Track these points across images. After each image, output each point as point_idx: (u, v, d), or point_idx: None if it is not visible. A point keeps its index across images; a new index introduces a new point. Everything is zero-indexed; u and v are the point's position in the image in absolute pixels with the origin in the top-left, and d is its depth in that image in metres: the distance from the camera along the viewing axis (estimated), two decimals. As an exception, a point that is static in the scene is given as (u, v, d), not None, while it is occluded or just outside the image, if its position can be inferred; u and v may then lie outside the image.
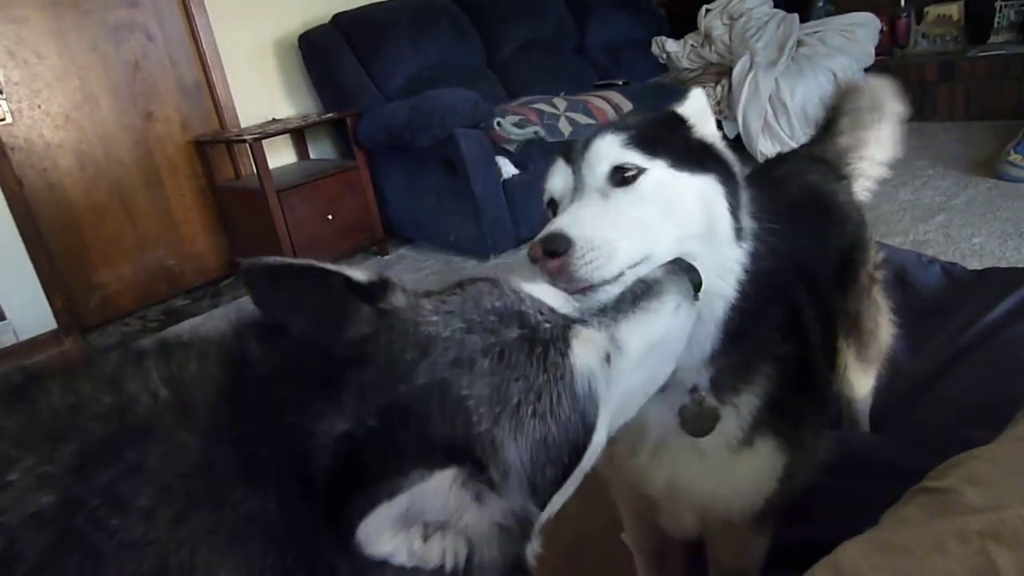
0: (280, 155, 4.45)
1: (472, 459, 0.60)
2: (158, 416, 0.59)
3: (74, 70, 3.85)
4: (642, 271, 0.90)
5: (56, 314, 3.79)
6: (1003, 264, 2.75)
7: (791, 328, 1.13)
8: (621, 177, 0.96)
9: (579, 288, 0.85)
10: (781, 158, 1.70)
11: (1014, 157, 3.70)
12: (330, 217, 4.07)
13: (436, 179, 3.93)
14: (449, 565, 0.60)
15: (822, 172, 1.56)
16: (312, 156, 4.61)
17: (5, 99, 3.64)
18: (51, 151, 3.81)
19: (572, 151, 1.02)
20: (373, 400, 0.60)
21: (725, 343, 1.01)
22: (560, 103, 4.14)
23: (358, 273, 0.72)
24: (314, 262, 0.70)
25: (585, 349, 0.71)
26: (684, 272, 0.88)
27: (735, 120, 4.57)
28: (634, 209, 0.94)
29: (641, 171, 0.96)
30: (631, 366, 0.78)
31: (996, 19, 4.98)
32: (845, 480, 1.33)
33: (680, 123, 1.05)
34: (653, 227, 0.93)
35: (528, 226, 3.91)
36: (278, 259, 0.69)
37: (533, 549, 0.73)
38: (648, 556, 1.49)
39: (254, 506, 0.56)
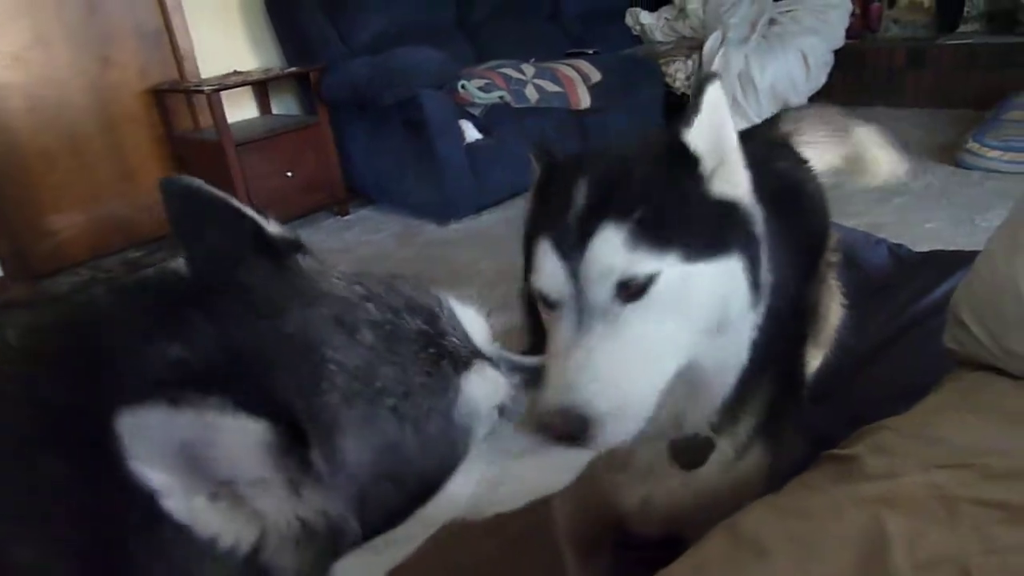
0: (241, 108, 4.35)
1: (297, 428, 0.51)
2: None
3: (24, 8, 3.71)
4: None
5: (2, 259, 3.70)
6: (951, 248, 2.79)
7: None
8: (629, 291, 0.79)
9: None
10: (741, 137, 1.64)
11: (972, 145, 3.74)
12: (290, 174, 4.00)
13: (399, 140, 3.88)
14: (226, 543, 0.51)
15: (787, 157, 1.47)
16: (275, 111, 4.51)
17: (-48, 35, 3.51)
18: (1, 91, 3.68)
19: (564, 241, 0.82)
20: (228, 333, 0.53)
21: (738, 392, 0.92)
22: (528, 69, 4.10)
23: (274, 226, 0.67)
24: (233, 200, 0.66)
25: (481, 382, 0.62)
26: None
27: (704, 95, 4.56)
28: (650, 330, 0.79)
29: (652, 277, 0.78)
30: (522, 445, 0.69)
31: (966, 8, 5.01)
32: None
33: (691, 168, 0.84)
34: (669, 342, 0.80)
35: (491, 192, 3.88)
36: (199, 183, 0.65)
37: None
38: (579, 547, 1.39)
39: (57, 468, 0.49)
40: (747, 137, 1.64)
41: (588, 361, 0.77)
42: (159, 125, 4.20)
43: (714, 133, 0.86)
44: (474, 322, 0.68)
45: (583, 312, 0.80)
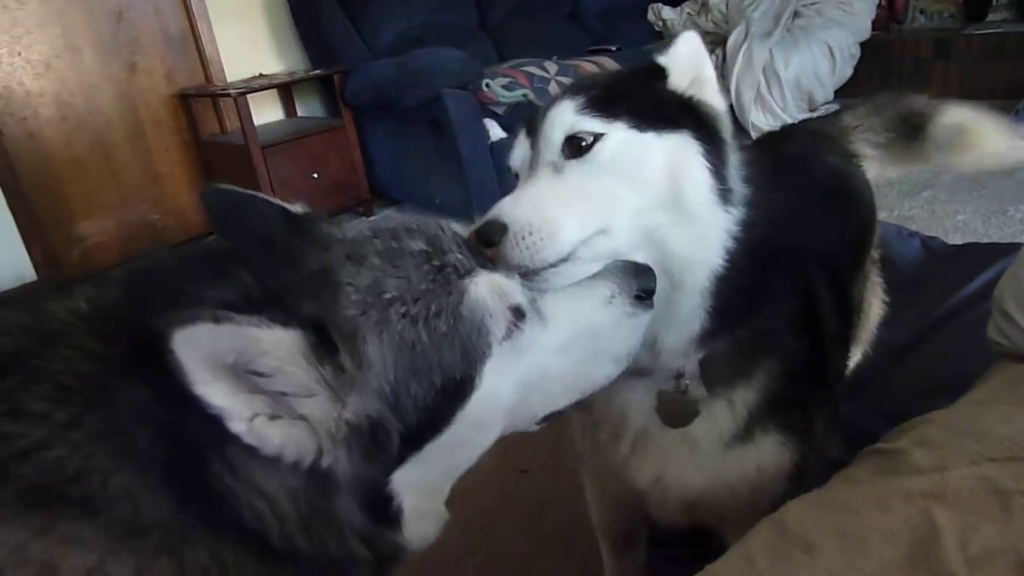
0: (267, 111, 4.39)
1: (325, 335, 0.60)
2: (70, 326, 0.60)
3: (55, 17, 3.77)
4: (601, 246, 0.85)
5: (35, 265, 3.76)
6: (984, 241, 2.75)
7: (806, 318, 1.04)
8: (576, 147, 0.88)
9: (524, 273, 0.80)
10: (786, 133, 1.62)
11: (1004, 135, 3.68)
12: (315, 176, 4.03)
13: (423, 140, 3.89)
14: (291, 454, 0.59)
15: (836, 152, 1.47)
16: (299, 113, 4.55)
17: (-15, 44, 3.57)
18: (31, 99, 3.74)
19: (534, 120, 0.94)
20: (265, 279, 0.62)
21: (717, 323, 0.92)
22: (551, 67, 4.09)
23: (296, 207, 0.78)
24: (259, 194, 0.78)
25: (487, 285, 0.70)
26: (633, 274, 0.82)
27: (727, 91, 4.53)
28: (589, 182, 0.87)
29: (597, 137, 0.88)
30: (552, 343, 0.75)
31: (994, -4, 4.93)
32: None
33: (656, 76, 0.94)
34: (610, 198, 0.86)
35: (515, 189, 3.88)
36: (229, 187, 0.77)
37: (424, 506, 0.71)
38: (616, 540, 1.42)
39: (139, 397, 0.56)
40: (796, 129, 1.63)
41: (523, 192, 0.89)
42: (186, 129, 4.25)
43: (689, 60, 0.95)
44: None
45: (535, 167, 0.91)
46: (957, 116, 1.50)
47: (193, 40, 4.20)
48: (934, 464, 0.87)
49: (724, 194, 0.90)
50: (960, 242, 2.65)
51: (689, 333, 0.93)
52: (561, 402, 0.81)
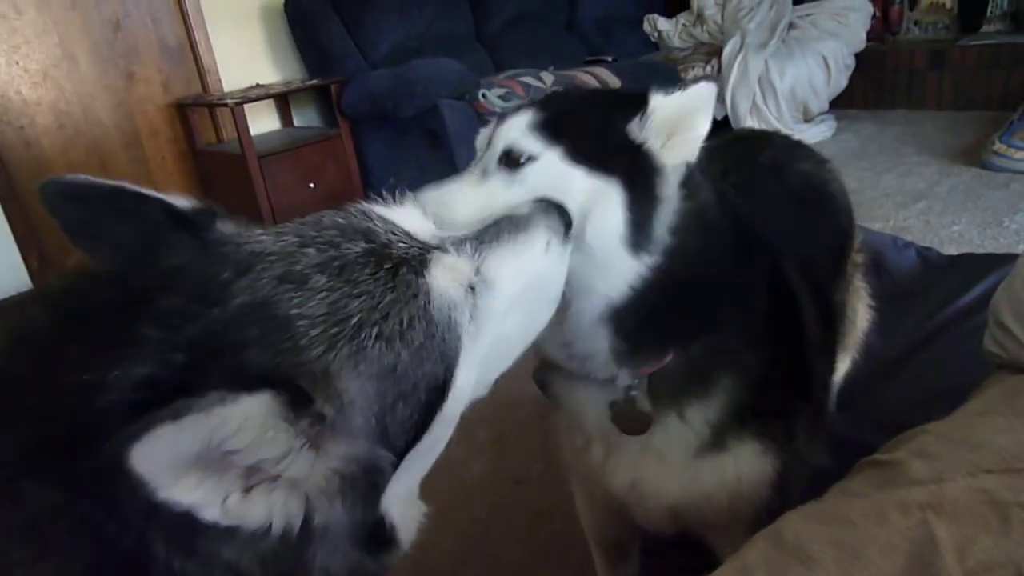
0: (264, 121, 4.39)
1: (293, 387, 0.50)
2: None
3: (53, 27, 3.77)
4: None
5: (31, 274, 3.75)
6: (980, 251, 2.76)
7: (779, 329, 1.05)
8: (511, 160, 0.91)
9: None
10: (759, 140, 1.61)
11: (999, 147, 3.70)
12: (312, 185, 4.03)
13: (419, 150, 3.90)
14: (279, 525, 0.51)
15: (809, 158, 1.50)
16: (296, 123, 4.55)
17: (-17, 53, 3.57)
18: (28, 108, 3.74)
19: (494, 125, 0.99)
20: (180, 332, 0.50)
21: (636, 343, 0.94)
22: (547, 77, 4.10)
23: (181, 200, 0.64)
24: (127, 184, 0.63)
25: (444, 273, 0.63)
26: (553, 209, 0.81)
27: (723, 101, 4.55)
28: (507, 194, 0.90)
29: (532, 158, 0.90)
30: (502, 306, 0.70)
31: (989, 8, 4.96)
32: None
33: (631, 108, 0.92)
34: (508, 205, 0.87)
35: (511, 200, 3.89)
36: (83, 178, 0.62)
37: (407, 512, 0.65)
38: (608, 549, 1.42)
39: (47, 497, 0.48)
40: (777, 139, 1.64)
41: (445, 186, 0.96)
42: (182, 139, 4.24)
43: (683, 111, 0.92)
44: (409, 218, 0.68)
45: (474, 163, 0.98)
46: None
47: (190, 50, 4.19)
48: (932, 476, 0.87)
49: (638, 243, 0.90)
50: (956, 253, 2.66)
51: (596, 346, 0.94)
52: (511, 359, 0.77)
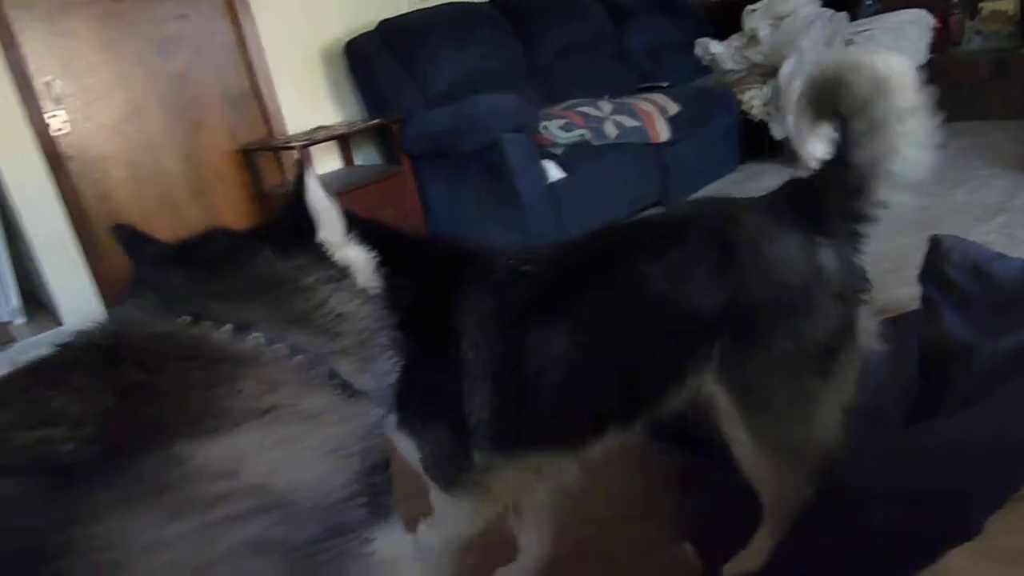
0: (326, 162, 4.48)
1: None
2: None
3: (123, 82, 3.92)
4: None
5: (108, 319, 3.86)
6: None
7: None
8: None
9: None
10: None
11: (1078, 155, 3.57)
12: (375, 223, 4.08)
13: (480, 185, 3.92)
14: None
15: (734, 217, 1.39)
16: (356, 163, 4.63)
17: (64, 109, 3.71)
18: (104, 162, 3.87)
19: None
20: None
21: None
22: (605, 106, 4.11)
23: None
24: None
25: None
26: None
27: (783, 122, 4.49)
28: None
29: None
30: None
31: (1053, 13, 4.83)
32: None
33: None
34: None
35: (573, 229, 3.88)
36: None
37: None
38: None
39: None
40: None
41: None
42: (249, 183, 4.35)
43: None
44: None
45: None
46: None
47: (255, 97, 4.31)
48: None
49: None
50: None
51: None
52: None
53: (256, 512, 0.70)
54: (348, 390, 0.86)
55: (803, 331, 1.29)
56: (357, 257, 0.99)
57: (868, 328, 1.38)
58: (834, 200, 1.33)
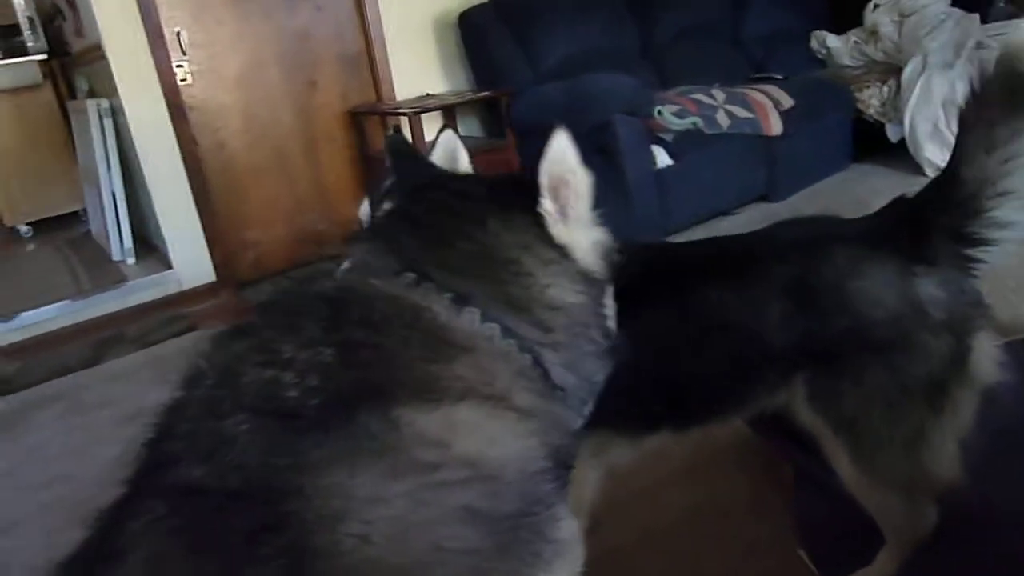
0: (430, 130, 4.50)
1: None
2: None
3: (247, 36, 4.01)
4: None
5: (216, 268, 4.00)
6: None
7: None
8: None
9: None
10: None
11: None
12: (476, 194, 4.10)
13: (587, 165, 3.88)
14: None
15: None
16: (460, 133, 4.64)
17: (188, 60, 3.83)
18: (222, 113, 3.99)
19: None
20: None
21: None
22: (719, 94, 4.02)
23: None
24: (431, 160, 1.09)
25: None
26: None
27: (900, 123, 4.33)
28: None
29: None
30: None
31: None
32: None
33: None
34: None
35: (678, 217, 3.84)
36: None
37: None
38: None
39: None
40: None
41: None
42: (354, 145, 4.42)
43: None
44: None
45: None
46: None
47: (368, 60, 4.37)
48: None
49: None
50: None
51: None
52: None
53: (467, 482, 0.73)
54: (550, 383, 0.87)
55: (899, 365, 1.23)
56: (585, 238, 0.95)
57: (988, 355, 1.27)
58: (942, 223, 1.21)
